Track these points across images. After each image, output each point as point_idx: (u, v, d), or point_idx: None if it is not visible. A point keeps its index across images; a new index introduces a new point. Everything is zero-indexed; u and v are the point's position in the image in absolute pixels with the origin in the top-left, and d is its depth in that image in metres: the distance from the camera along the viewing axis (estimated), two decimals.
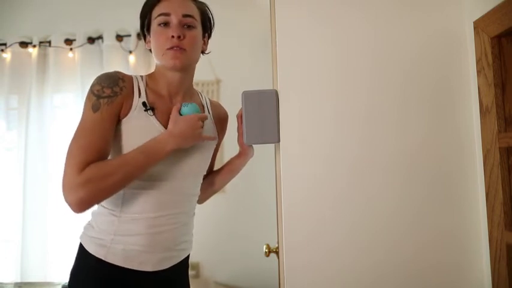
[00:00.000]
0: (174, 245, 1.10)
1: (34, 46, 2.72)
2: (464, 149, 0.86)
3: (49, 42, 2.72)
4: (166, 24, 1.05)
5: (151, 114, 1.04)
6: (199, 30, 1.10)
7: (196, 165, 1.13)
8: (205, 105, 1.24)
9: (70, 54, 2.70)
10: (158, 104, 1.07)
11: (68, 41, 2.71)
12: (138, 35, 2.64)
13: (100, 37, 2.70)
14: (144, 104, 1.04)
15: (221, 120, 1.29)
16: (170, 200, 1.07)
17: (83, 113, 1.00)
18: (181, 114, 1.06)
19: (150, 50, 1.12)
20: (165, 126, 1.05)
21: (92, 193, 0.91)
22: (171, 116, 1.05)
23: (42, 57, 2.74)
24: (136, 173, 0.97)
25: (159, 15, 1.05)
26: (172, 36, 1.03)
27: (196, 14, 1.10)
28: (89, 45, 2.70)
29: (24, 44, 2.72)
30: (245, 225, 2.50)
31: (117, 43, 2.67)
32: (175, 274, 1.14)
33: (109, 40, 2.67)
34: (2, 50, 2.74)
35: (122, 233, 1.03)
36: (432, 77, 0.87)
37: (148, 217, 1.04)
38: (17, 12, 2.81)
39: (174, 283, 1.14)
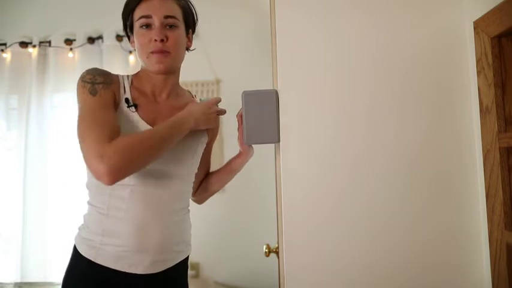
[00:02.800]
0: (169, 245, 1.08)
1: (34, 46, 2.72)
2: (464, 149, 0.86)
3: (49, 42, 2.72)
4: (148, 26, 1.05)
5: (134, 110, 1.05)
6: (182, 29, 1.10)
7: (184, 164, 1.12)
8: None
9: (70, 54, 2.70)
10: (141, 102, 1.08)
11: (68, 41, 2.71)
12: None
13: (100, 37, 2.70)
14: (126, 100, 1.05)
15: None
16: (157, 197, 1.06)
17: (81, 100, 0.98)
18: None
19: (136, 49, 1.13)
20: (148, 123, 1.05)
21: (125, 160, 0.87)
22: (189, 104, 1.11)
23: (42, 57, 2.74)
24: (164, 144, 0.97)
25: (141, 17, 1.05)
26: (155, 40, 1.02)
27: (177, 13, 1.08)
28: (89, 45, 2.70)
29: (24, 44, 2.72)
30: (245, 225, 2.50)
31: (117, 43, 2.67)
32: (172, 277, 1.12)
33: (109, 40, 2.67)
34: (2, 50, 2.74)
35: (110, 234, 1.02)
36: (432, 77, 0.87)
37: (135, 215, 1.02)
38: (17, 12, 2.81)
39: (171, 287, 1.12)
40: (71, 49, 2.70)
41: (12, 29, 2.78)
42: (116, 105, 1.03)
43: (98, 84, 0.99)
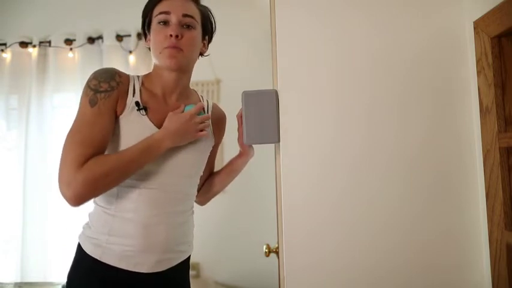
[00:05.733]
0: (173, 245, 1.09)
1: (34, 46, 2.73)
2: (464, 149, 0.86)
3: (49, 42, 2.72)
4: (165, 22, 1.06)
5: (144, 114, 1.05)
6: (198, 31, 1.11)
7: (191, 166, 1.13)
8: (206, 107, 1.25)
9: (70, 54, 2.71)
10: (152, 104, 1.08)
11: (68, 41, 2.71)
12: (138, 35, 2.64)
13: (100, 37, 2.71)
14: (137, 103, 1.05)
15: (219, 121, 1.29)
16: (164, 199, 1.06)
17: (80, 107, 1.00)
18: None
19: (150, 49, 1.13)
20: (158, 126, 1.05)
21: (90, 189, 0.92)
22: (169, 114, 1.06)
23: (42, 57, 2.75)
24: (134, 170, 0.99)
25: (160, 13, 1.07)
26: (171, 35, 1.03)
27: (196, 15, 1.10)
28: (89, 45, 2.71)
29: (24, 44, 2.73)
30: (245, 225, 2.50)
31: (117, 43, 2.67)
32: (174, 276, 1.13)
33: (109, 40, 2.67)
34: (2, 50, 2.74)
35: (117, 233, 1.03)
36: (432, 77, 0.87)
37: (142, 216, 1.03)
38: (17, 12, 2.81)
39: (173, 286, 1.13)
40: (71, 49, 2.71)
41: (12, 29, 2.79)
42: (121, 109, 1.03)
43: (100, 93, 0.99)
